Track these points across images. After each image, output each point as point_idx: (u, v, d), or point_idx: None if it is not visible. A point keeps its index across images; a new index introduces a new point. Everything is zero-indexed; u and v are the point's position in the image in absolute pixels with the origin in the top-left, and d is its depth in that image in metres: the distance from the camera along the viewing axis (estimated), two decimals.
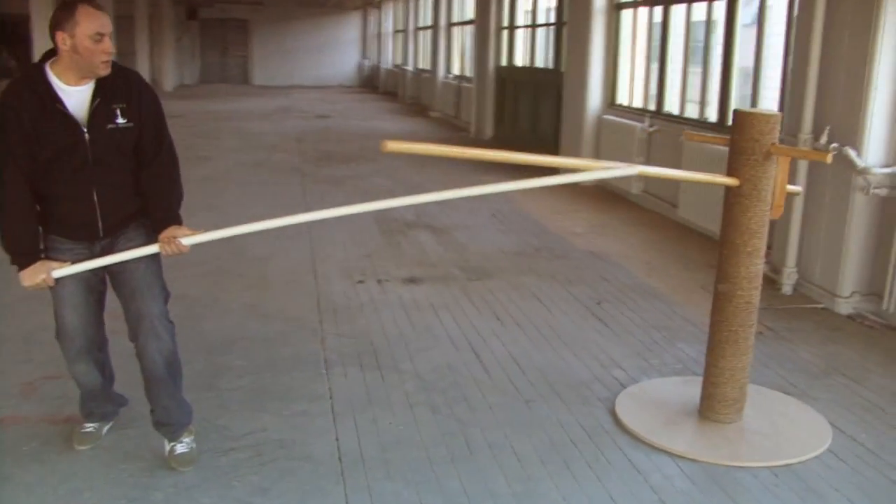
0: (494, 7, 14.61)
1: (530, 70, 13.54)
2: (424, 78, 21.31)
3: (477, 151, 3.92)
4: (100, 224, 3.32)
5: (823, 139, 5.68)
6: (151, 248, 3.32)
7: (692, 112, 8.62)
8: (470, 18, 17.83)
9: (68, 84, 3.19)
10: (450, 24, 18.95)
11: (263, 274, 6.29)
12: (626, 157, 8.91)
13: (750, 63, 7.48)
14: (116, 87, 3.26)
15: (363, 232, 7.58)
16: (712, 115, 8.12)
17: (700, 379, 4.40)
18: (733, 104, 7.78)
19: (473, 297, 5.86)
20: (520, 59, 14.27)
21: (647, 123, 9.04)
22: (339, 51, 31.45)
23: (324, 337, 5.02)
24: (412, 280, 6.22)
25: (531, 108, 13.29)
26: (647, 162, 9.09)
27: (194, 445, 3.53)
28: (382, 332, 5.12)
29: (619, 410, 4.10)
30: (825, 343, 5.09)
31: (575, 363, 4.72)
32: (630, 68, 10.10)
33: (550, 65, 12.62)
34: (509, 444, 3.75)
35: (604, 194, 9.95)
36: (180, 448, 3.50)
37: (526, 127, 13.43)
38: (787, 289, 6.12)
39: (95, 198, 3.28)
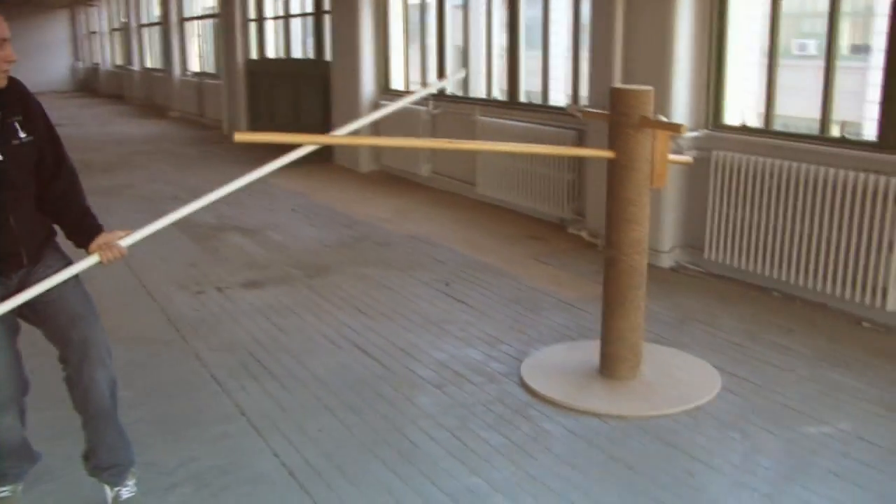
0: (239, 0, 14.24)
1: (286, 62, 13.36)
2: (157, 77, 20.38)
3: (337, 138, 3.84)
4: (22, 252, 2.96)
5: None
6: (89, 261, 3.01)
7: (479, 93, 8.92)
8: (203, 13, 17.27)
9: None
10: (182, 20, 18.22)
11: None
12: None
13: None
14: (9, 99, 2.92)
15: (173, 241, 7.19)
16: (499, 94, 8.45)
17: (584, 343, 4.67)
18: (523, 86, 8.16)
19: (325, 294, 5.79)
20: (272, 52, 14.01)
21: (431, 106, 9.23)
22: (47, 54, 29.19)
23: (197, 353, 4.76)
24: (252, 284, 6.03)
25: (290, 101, 13.12)
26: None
27: (136, 489, 3.24)
28: (254, 340, 4.95)
29: (528, 382, 4.25)
30: (666, 295, 5.52)
31: (459, 344, 4.81)
32: (403, 53, 10.25)
33: (311, 55, 12.50)
34: (447, 432, 3.78)
35: (391, 179, 10.10)
36: (125, 493, 3.20)
37: (285, 120, 13.23)
38: None
39: (14, 224, 2.92)
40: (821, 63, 5.46)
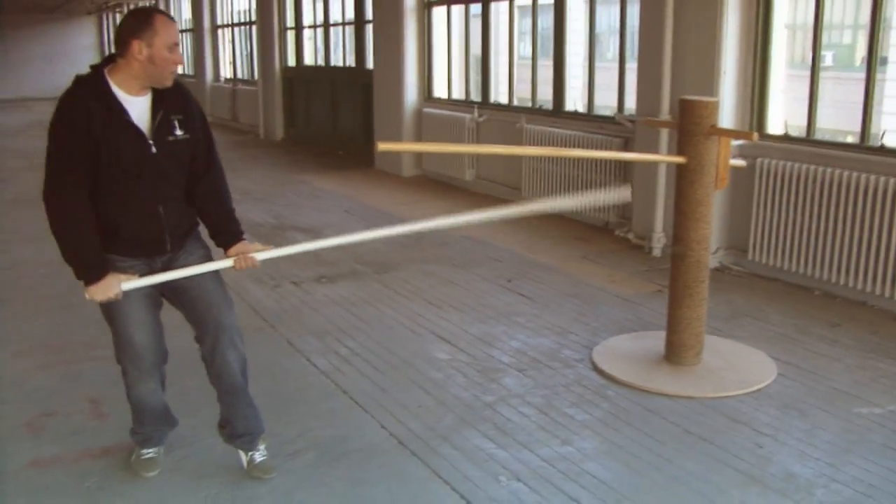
0: (276, 7, 14.69)
1: (325, 69, 13.79)
2: (188, 83, 20.80)
3: (475, 147, 4.23)
4: (167, 239, 3.33)
5: (664, 117, 6.52)
6: (226, 263, 3.39)
7: (523, 101, 9.35)
8: (238, 20, 17.72)
9: (129, 94, 3.16)
10: (215, 27, 18.69)
11: None
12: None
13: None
14: (172, 98, 3.26)
15: None
16: (547, 103, 8.86)
17: (647, 333, 5.08)
18: (567, 94, 8.58)
19: (395, 288, 6.20)
20: (310, 59, 14.46)
21: (476, 114, 9.66)
22: (75, 59, 29.59)
23: (288, 339, 5.17)
24: (324, 279, 6.45)
25: (328, 108, 13.58)
26: (477, 162, 9.76)
27: (267, 454, 3.63)
28: (338, 328, 5.35)
29: (601, 367, 4.66)
30: (716, 293, 5.90)
31: (530, 334, 5.22)
32: (446, 63, 10.69)
33: (352, 63, 12.94)
34: (535, 409, 4.21)
35: (434, 184, 10.50)
36: (259, 457, 3.58)
37: (322, 126, 13.70)
38: (656, 252, 6.96)
39: (162, 213, 3.28)
40: (838, 74, 5.85)
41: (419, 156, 10.93)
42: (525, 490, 3.45)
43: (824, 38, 6.29)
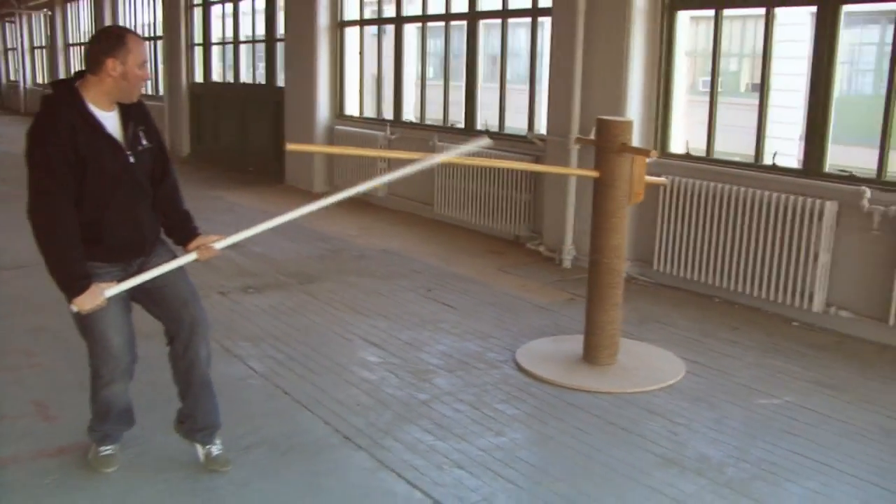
0: (184, 23, 14.70)
1: (234, 86, 13.86)
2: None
3: (387, 152, 4.48)
4: (146, 242, 3.54)
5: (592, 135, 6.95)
6: (190, 257, 3.59)
7: (434, 120, 9.69)
8: (142, 35, 17.57)
9: (101, 109, 3.34)
10: None
11: None
12: (369, 164, 9.83)
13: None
14: (135, 111, 3.46)
15: None
16: (459, 122, 9.23)
17: (565, 337, 5.45)
18: (478, 115, 8.96)
19: (321, 298, 6.42)
20: (218, 76, 14.51)
21: (388, 131, 9.95)
22: None
23: (225, 346, 5.33)
24: (251, 289, 6.61)
25: (237, 124, 13.65)
26: (390, 165, 10.03)
27: (223, 447, 3.81)
28: (272, 335, 5.53)
29: (525, 367, 4.99)
30: (624, 301, 6.29)
31: (455, 339, 5.52)
32: (358, 81, 10.96)
33: (262, 80, 13.07)
34: (468, 405, 4.50)
35: (345, 201, 10.68)
36: (216, 450, 3.76)
37: (231, 143, 13.75)
38: (567, 263, 7.37)
39: (141, 218, 3.49)
40: (726, 99, 6.40)
41: (331, 171, 11.14)
42: (467, 476, 3.74)
43: (710, 66, 6.82)
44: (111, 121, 3.39)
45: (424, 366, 5.03)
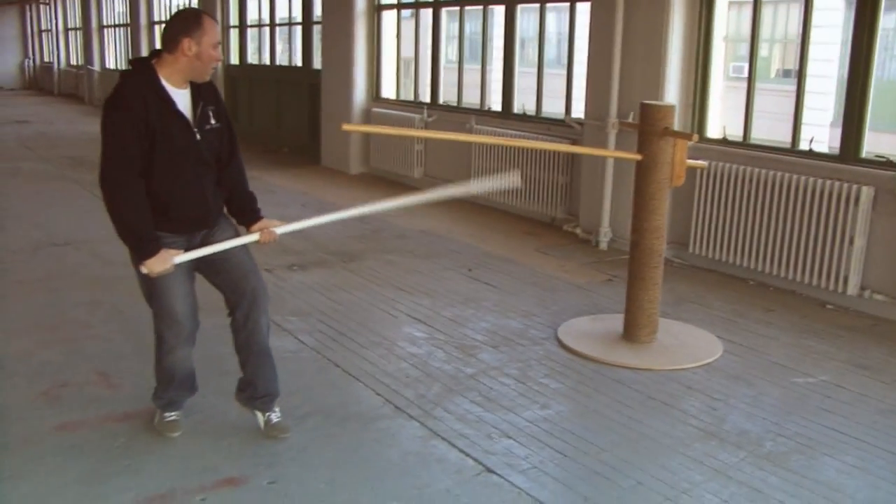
0: (220, 5, 14.88)
1: (270, 68, 14.04)
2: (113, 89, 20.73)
3: (434, 133, 4.62)
4: (210, 216, 3.71)
5: (631, 119, 7.08)
6: (252, 237, 3.78)
7: (471, 104, 9.82)
8: None
9: (174, 86, 3.51)
10: (151, 22, 18.73)
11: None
12: (405, 146, 10.03)
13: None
14: (207, 91, 3.64)
15: None
16: (495, 105, 9.35)
17: (604, 316, 5.59)
18: (515, 99, 9.08)
19: (364, 275, 6.59)
20: (253, 58, 14.69)
21: (425, 114, 10.10)
22: None
23: (273, 320, 5.50)
24: (296, 266, 6.80)
25: (272, 106, 13.84)
26: (426, 148, 10.22)
27: (281, 415, 3.99)
28: (319, 311, 5.71)
29: (567, 343, 5.14)
30: (661, 282, 6.45)
31: (498, 316, 5.67)
32: (395, 64, 11.10)
33: (298, 63, 13.24)
34: (513, 380, 4.66)
35: (382, 182, 10.90)
36: (275, 418, 3.95)
37: (266, 124, 13.95)
38: (603, 245, 7.50)
39: (205, 193, 3.66)
40: (758, 85, 6.49)
41: (367, 153, 11.31)
42: (516, 445, 3.90)
43: (742, 51, 6.90)
44: (183, 98, 3.55)
45: (469, 341, 5.19)
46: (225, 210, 3.90)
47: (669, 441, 3.97)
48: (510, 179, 4.59)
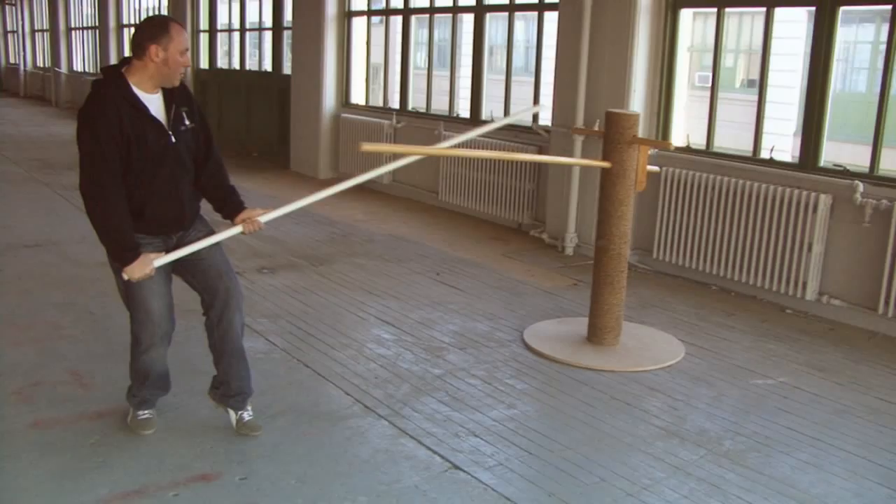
0: (190, 9, 14.87)
1: (240, 73, 14.06)
2: (88, 81, 20.60)
3: (452, 150, 4.71)
4: (186, 217, 3.77)
5: (597, 127, 7.22)
6: (235, 230, 3.85)
7: (440, 110, 9.93)
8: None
9: (146, 92, 3.59)
10: (120, 25, 18.67)
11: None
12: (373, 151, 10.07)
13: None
14: (178, 94, 3.71)
15: None
16: (464, 112, 9.47)
17: (569, 319, 5.71)
18: (483, 105, 9.20)
19: (333, 279, 6.67)
20: (222, 62, 14.71)
21: (394, 120, 10.20)
22: None
23: (245, 323, 5.55)
24: (265, 269, 6.86)
25: (242, 110, 13.87)
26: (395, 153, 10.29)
27: (253, 413, 4.06)
28: (289, 313, 5.77)
29: (533, 345, 5.25)
30: (626, 287, 6.59)
31: (465, 319, 5.78)
32: (365, 70, 11.19)
33: (268, 68, 13.28)
34: (480, 380, 4.76)
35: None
36: (247, 416, 4.01)
37: (236, 129, 13.96)
38: (569, 250, 7.63)
39: (181, 194, 3.72)
40: (722, 95, 6.66)
41: (335, 158, 11.38)
42: (482, 443, 4.00)
43: (706, 62, 7.07)
44: (155, 103, 3.63)
45: (437, 343, 5.28)
46: (211, 207, 3.94)
47: (632, 439, 4.09)
48: (532, 109, 4.54)
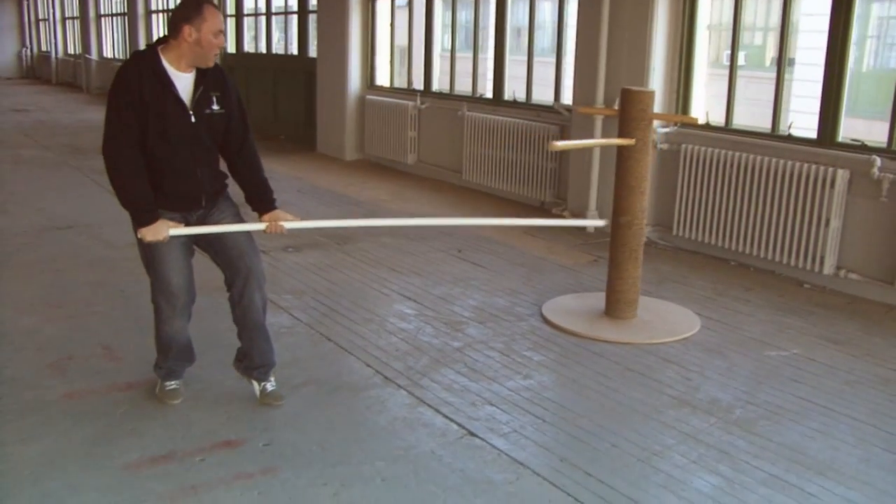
0: None
1: (266, 57, 14.21)
2: (117, 66, 20.87)
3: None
4: (203, 197, 3.91)
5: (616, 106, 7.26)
6: (259, 226, 3.97)
7: (463, 91, 10.02)
8: (170, 7, 17.95)
9: (178, 70, 3.72)
10: (149, 12, 18.88)
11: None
12: (399, 133, 10.26)
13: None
14: (212, 78, 3.82)
15: None
16: (487, 92, 9.56)
17: (588, 294, 5.81)
18: (506, 86, 9.29)
19: (357, 257, 6.81)
20: (249, 47, 14.86)
21: (418, 101, 10.30)
22: None
23: (271, 299, 5.70)
24: (291, 248, 7.01)
25: (269, 94, 14.01)
26: (419, 134, 10.43)
27: (276, 384, 4.21)
28: (313, 289, 5.92)
29: (551, 319, 5.36)
30: (644, 263, 6.62)
31: (486, 295, 5.89)
32: (389, 52, 11.30)
33: (294, 51, 13.42)
34: (498, 353, 4.89)
35: (376, 167, 11.11)
36: (270, 387, 4.16)
37: (263, 112, 14.10)
38: (590, 228, 7.71)
39: (199, 174, 3.85)
40: (750, 73, 6.67)
41: (361, 140, 11.51)
42: (498, 412, 4.12)
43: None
44: (184, 81, 3.75)
45: (457, 317, 5.41)
46: (243, 196, 4.07)
47: (644, 408, 4.20)
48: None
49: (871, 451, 3.81)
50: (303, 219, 4.18)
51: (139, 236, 3.74)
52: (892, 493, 3.48)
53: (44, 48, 28.31)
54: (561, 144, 4.36)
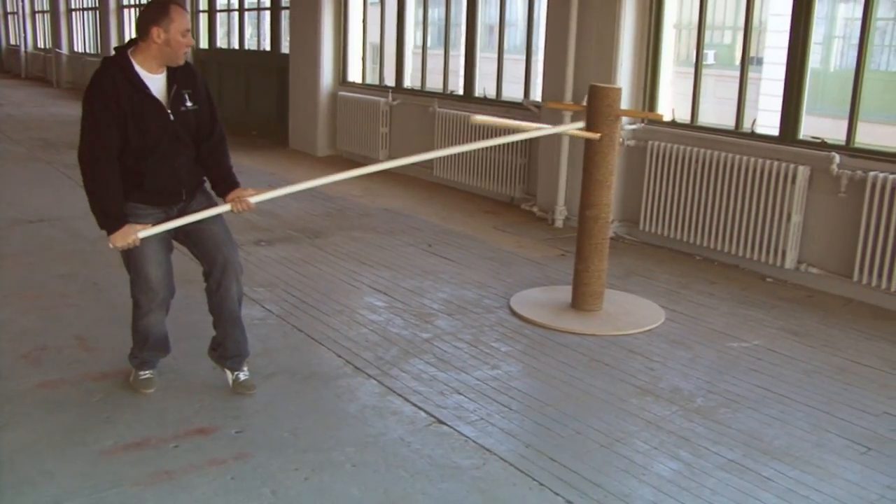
0: None
1: (239, 53, 14.23)
2: (88, 61, 20.80)
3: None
4: (183, 191, 3.99)
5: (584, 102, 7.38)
6: (224, 208, 4.05)
7: (436, 87, 10.11)
8: (142, 2, 17.89)
9: (149, 72, 3.79)
10: (120, 6, 18.81)
11: None
12: (371, 129, 10.35)
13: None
14: (183, 76, 3.90)
15: None
16: (458, 89, 9.66)
17: (555, 287, 5.92)
18: (477, 81, 9.39)
19: (328, 251, 6.89)
20: (222, 42, 14.87)
21: (390, 97, 10.38)
22: None
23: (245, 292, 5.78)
24: (263, 242, 7.08)
25: (241, 90, 14.03)
26: (391, 130, 10.51)
27: (249, 374, 4.30)
28: (284, 282, 5.99)
29: (519, 311, 5.47)
30: (611, 257, 6.75)
31: (454, 287, 5.99)
32: (361, 49, 11.37)
33: (267, 47, 13.45)
34: (467, 344, 4.98)
35: (348, 163, 11.16)
36: (243, 376, 4.24)
37: (235, 107, 14.12)
38: (558, 223, 7.84)
39: (178, 169, 3.93)
40: (719, 72, 6.82)
41: (333, 136, 11.57)
42: (466, 400, 4.23)
43: (706, 38, 7.24)
44: (157, 82, 3.83)
45: (426, 310, 5.50)
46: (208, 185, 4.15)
47: (608, 397, 4.32)
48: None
49: (825, 437, 3.95)
50: (279, 195, 4.21)
51: (110, 245, 3.79)
52: (844, 476, 3.62)
53: (13, 42, 28.05)
54: (480, 118, 4.48)
